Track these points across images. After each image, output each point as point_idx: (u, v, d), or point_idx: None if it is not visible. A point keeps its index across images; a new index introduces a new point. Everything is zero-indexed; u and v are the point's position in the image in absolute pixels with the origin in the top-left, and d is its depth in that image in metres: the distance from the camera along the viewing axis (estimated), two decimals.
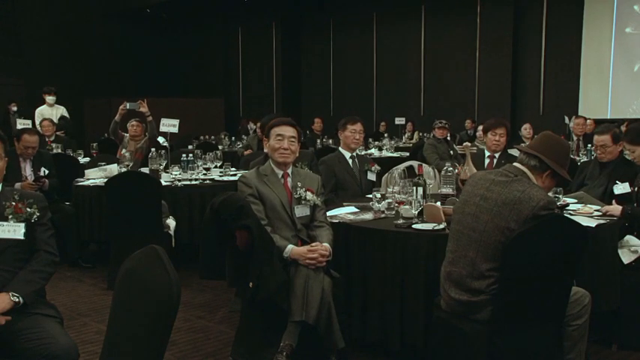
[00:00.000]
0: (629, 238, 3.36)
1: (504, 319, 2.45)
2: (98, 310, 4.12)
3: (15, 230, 2.45)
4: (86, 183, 5.30)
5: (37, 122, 8.33)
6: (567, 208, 3.54)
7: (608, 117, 10.54)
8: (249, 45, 16.51)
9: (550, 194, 2.74)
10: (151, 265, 1.62)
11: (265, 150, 3.47)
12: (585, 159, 6.44)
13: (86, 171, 5.58)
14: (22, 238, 2.45)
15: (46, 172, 5.18)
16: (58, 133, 8.23)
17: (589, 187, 4.28)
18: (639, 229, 3.37)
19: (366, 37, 14.55)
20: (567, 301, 2.52)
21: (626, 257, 3.32)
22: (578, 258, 2.51)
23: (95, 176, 5.40)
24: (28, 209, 2.48)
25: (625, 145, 3.82)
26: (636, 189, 3.56)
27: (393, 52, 14.05)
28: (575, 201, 3.75)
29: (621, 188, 3.74)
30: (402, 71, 13.89)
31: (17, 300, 2.33)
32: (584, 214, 3.38)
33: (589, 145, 6.64)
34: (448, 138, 7.73)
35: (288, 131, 3.21)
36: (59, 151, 7.33)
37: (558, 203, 3.41)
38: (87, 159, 7.09)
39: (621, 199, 3.61)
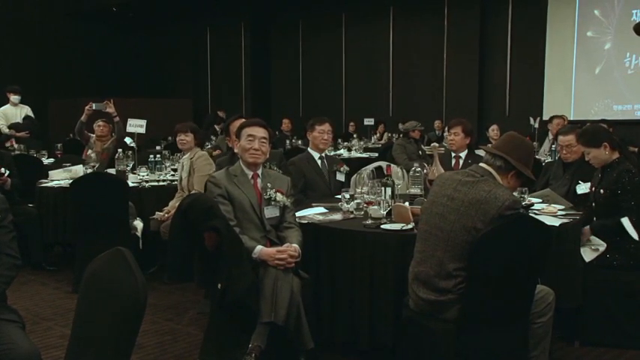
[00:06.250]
0: (591, 237, 3.45)
1: (471, 317, 2.48)
2: (62, 314, 4.03)
3: None
4: (50, 184, 5.18)
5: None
6: (532, 207, 3.61)
7: (572, 118, 10.74)
8: (217, 45, 16.37)
9: (515, 194, 2.79)
10: (117, 268, 1.60)
11: (235, 150, 3.44)
12: (550, 159, 6.57)
13: (50, 172, 5.45)
14: None
15: (7, 172, 5.04)
16: (19, 134, 8.00)
17: (553, 187, 4.36)
18: (604, 235, 3.49)
19: (336, 37, 14.58)
20: (532, 299, 2.56)
21: (588, 255, 3.40)
22: (542, 257, 2.56)
23: (59, 177, 5.29)
24: None
25: (580, 147, 3.88)
26: (593, 189, 3.65)
27: (362, 52, 14.11)
28: (540, 200, 3.82)
29: (583, 188, 3.83)
30: (371, 72, 13.96)
31: None
32: (549, 213, 3.45)
33: (553, 146, 6.78)
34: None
35: (260, 132, 3.20)
36: (22, 152, 7.15)
37: (523, 203, 3.48)
38: (51, 160, 6.93)
39: (583, 198, 3.70)
